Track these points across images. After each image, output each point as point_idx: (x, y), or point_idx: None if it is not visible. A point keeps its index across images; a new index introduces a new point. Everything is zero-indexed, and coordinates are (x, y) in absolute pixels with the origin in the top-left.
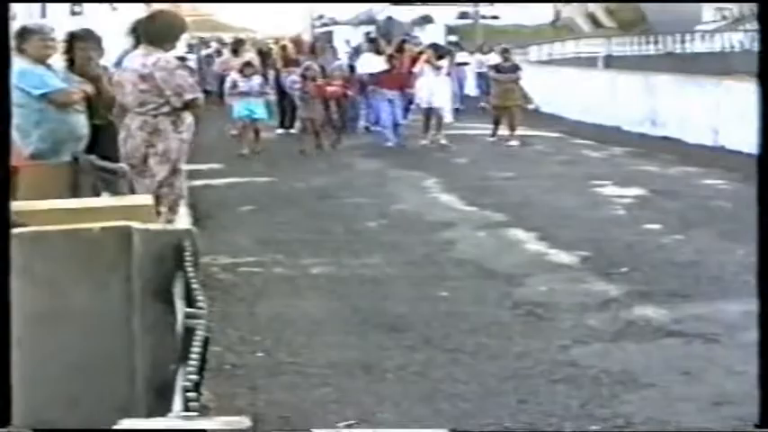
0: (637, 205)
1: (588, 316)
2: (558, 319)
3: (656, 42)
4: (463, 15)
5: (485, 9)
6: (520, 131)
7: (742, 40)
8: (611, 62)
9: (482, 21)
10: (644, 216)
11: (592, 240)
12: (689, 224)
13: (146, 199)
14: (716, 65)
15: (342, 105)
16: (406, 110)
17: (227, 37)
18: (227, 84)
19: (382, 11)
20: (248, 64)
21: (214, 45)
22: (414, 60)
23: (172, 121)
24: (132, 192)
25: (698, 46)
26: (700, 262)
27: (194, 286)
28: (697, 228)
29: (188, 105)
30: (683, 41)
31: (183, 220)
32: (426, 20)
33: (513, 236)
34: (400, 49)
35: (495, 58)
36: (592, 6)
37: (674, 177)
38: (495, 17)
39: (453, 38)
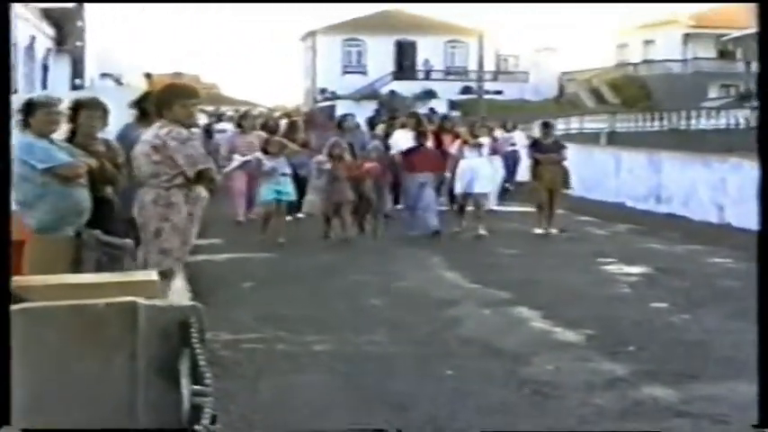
0: (643, 283)
1: (595, 395)
2: (565, 399)
3: (660, 119)
4: (466, 90)
5: (488, 84)
6: (523, 208)
7: (748, 116)
8: (614, 138)
9: (486, 96)
10: (650, 294)
11: (598, 318)
12: (696, 303)
13: (151, 274)
14: (721, 141)
15: (380, 186)
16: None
17: (229, 110)
18: (253, 163)
19: (385, 85)
20: (273, 140)
21: (203, 119)
22: (456, 138)
23: (185, 194)
24: (138, 266)
25: (703, 122)
26: (707, 341)
27: (201, 363)
28: (704, 307)
29: (200, 177)
30: (687, 118)
31: (182, 295)
32: (430, 95)
33: (518, 314)
34: (441, 128)
35: (519, 136)
36: (596, 82)
37: (679, 255)
38: (498, 92)
39: (456, 113)
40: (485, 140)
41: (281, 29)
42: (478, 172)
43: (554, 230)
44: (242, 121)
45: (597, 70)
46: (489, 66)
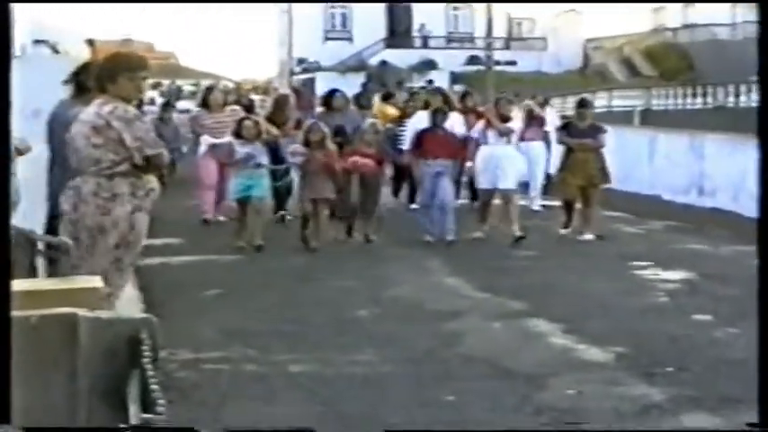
0: (682, 291)
1: (626, 424)
2: (590, 428)
3: (704, 94)
4: (472, 61)
5: (498, 53)
6: (540, 202)
7: None
8: (649, 117)
9: (495, 67)
10: (691, 304)
11: (629, 333)
12: (746, 314)
13: (94, 280)
14: None
15: (371, 183)
16: (458, 187)
17: (188, 83)
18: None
19: (375, 55)
20: (248, 122)
21: (154, 95)
22: (479, 119)
23: (131, 184)
24: (77, 270)
25: (755, 98)
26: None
27: (153, 387)
28: (755, 319)
29: (150, 164)
30: (737, 94)
31: (131, 306)
32: (429, 65)
33: (533, 327)
34: (464, 107)
35: (550, 114)
36: (628, 51)
37: (726, 258)
38: (510, 63)
39: (459, 87)
40: (516, 122)
41: None
42: (504, 162)
43: (589, 236)
44: (209, 96)
45: (629, 36)
46: (499, 31)
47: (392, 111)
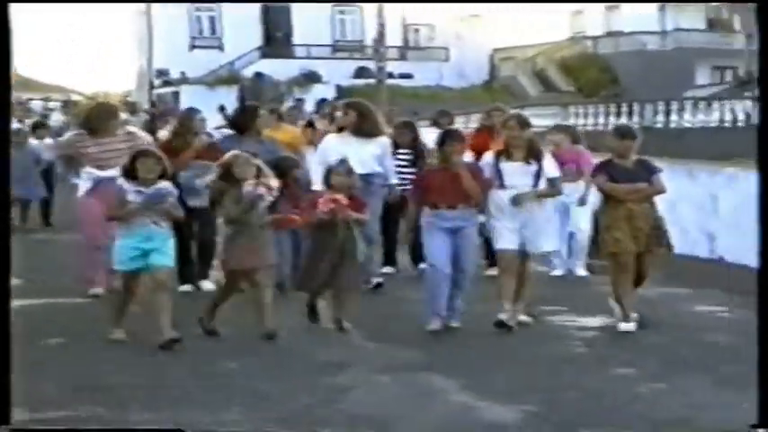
0: (602, 340)
1: None
2: None
3: (629, 113)
4: (361, 73)
5: (392, 64)
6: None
7: (749, 110)
8: None
9: (389, 81)
10: (613, 355)
11: (540, 389)
12: (675, 367)
13: None
14: (713, 145)
15: (351, 238)
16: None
17: (33, 98)
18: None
19: (249, 65)
20: (148, 156)
21: None
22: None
23: None
24: None
25: (688, 118)
26: (690, 419)
27: None
28: (687, 372)
29: None
30: (667, 112)
31: None
32: (311, 78)
33: (427, 382)
34: (485, 127)
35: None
36: (542, 62)
37: (653, 301)
38: (406, 76)
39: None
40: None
41: None
42: (533, 213)
43: (633, 319)
44: (94, 114)
45: (543, 46)
46: (394, 39)
47: (289, 134)
